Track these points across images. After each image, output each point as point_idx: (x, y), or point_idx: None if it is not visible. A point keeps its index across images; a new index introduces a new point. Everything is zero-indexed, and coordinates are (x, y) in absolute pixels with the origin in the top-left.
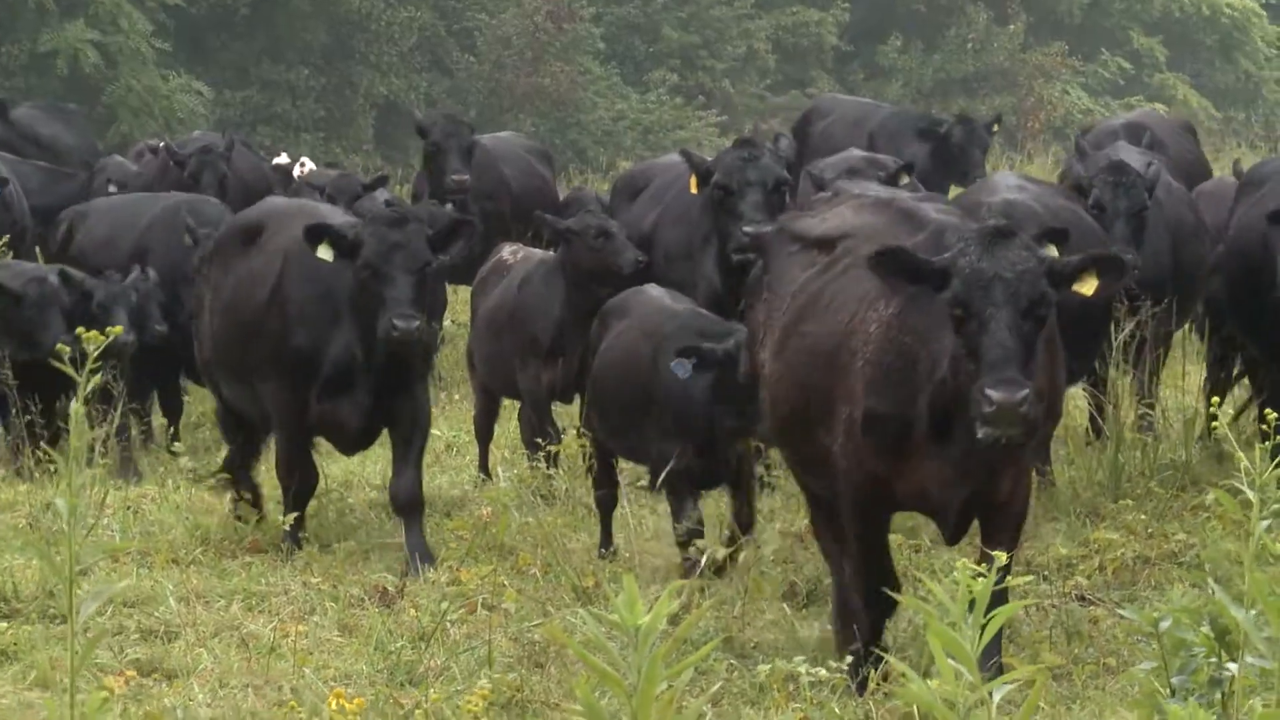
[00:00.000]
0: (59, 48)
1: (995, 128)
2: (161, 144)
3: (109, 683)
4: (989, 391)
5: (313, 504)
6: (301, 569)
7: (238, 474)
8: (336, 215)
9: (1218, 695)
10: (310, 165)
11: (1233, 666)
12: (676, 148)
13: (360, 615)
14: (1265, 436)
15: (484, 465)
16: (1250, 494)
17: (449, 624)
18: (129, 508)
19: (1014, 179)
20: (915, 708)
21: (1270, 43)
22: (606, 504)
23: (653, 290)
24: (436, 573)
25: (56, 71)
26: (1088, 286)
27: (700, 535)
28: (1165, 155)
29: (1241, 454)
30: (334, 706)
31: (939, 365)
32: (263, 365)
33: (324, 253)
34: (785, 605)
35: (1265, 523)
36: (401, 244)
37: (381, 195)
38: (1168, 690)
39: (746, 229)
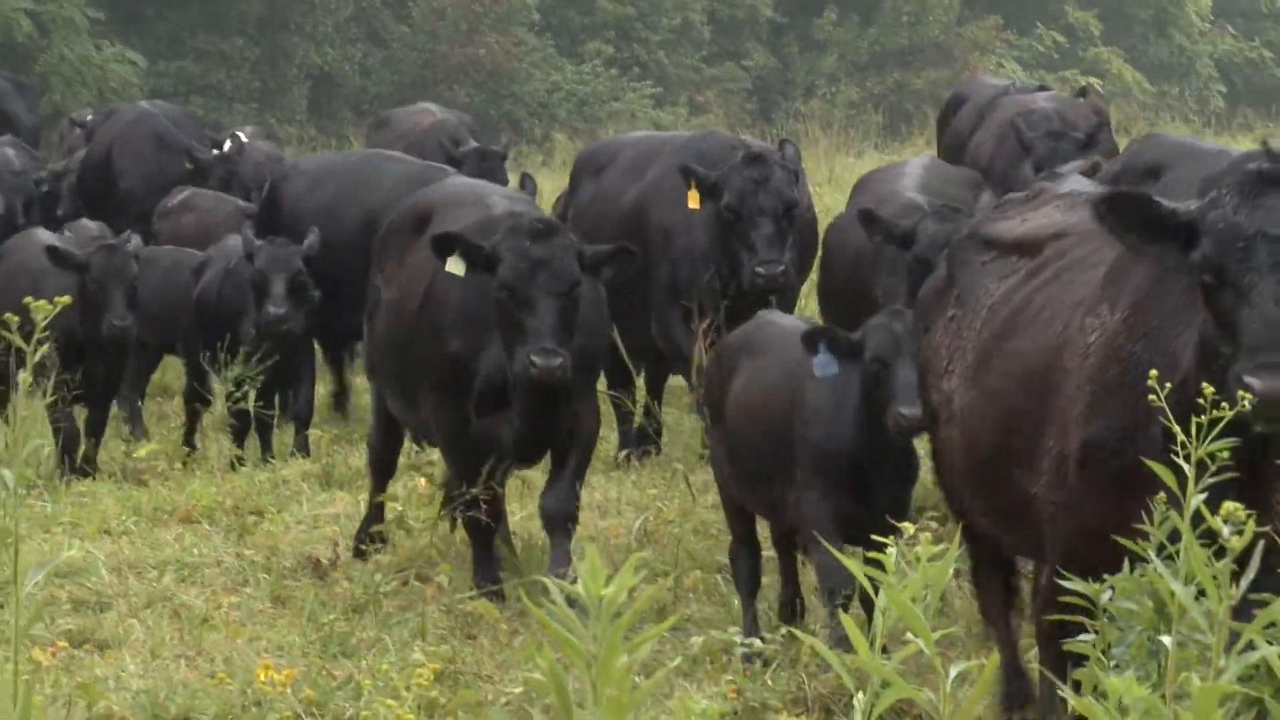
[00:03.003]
0: None
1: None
2: (90, 116)
3: (37, 655)
4: (1249, 379)
5: (246, 473)
6: (235, 540)
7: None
8: (502, 205)
9: (1155, 666)
10: (243, 138)
11: (1168, 640)
12: (611, 119)
13: (293, 587)
14: (1199, 410)
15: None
16: (1186, 467)
17: (382, 596)
18: (62, 478)
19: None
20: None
21: (1204, 17)
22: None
23: (780, 319)
24: (369, 545)
25: None
26: None
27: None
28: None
29: (1178, 428)
30: (265, 678)
31: (1179, 368)
32: (420, 375)
33: (454, 266)
34: (719, 577)
35: (1201, 496)
36: (545, 261)
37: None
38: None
39: (759, 270)
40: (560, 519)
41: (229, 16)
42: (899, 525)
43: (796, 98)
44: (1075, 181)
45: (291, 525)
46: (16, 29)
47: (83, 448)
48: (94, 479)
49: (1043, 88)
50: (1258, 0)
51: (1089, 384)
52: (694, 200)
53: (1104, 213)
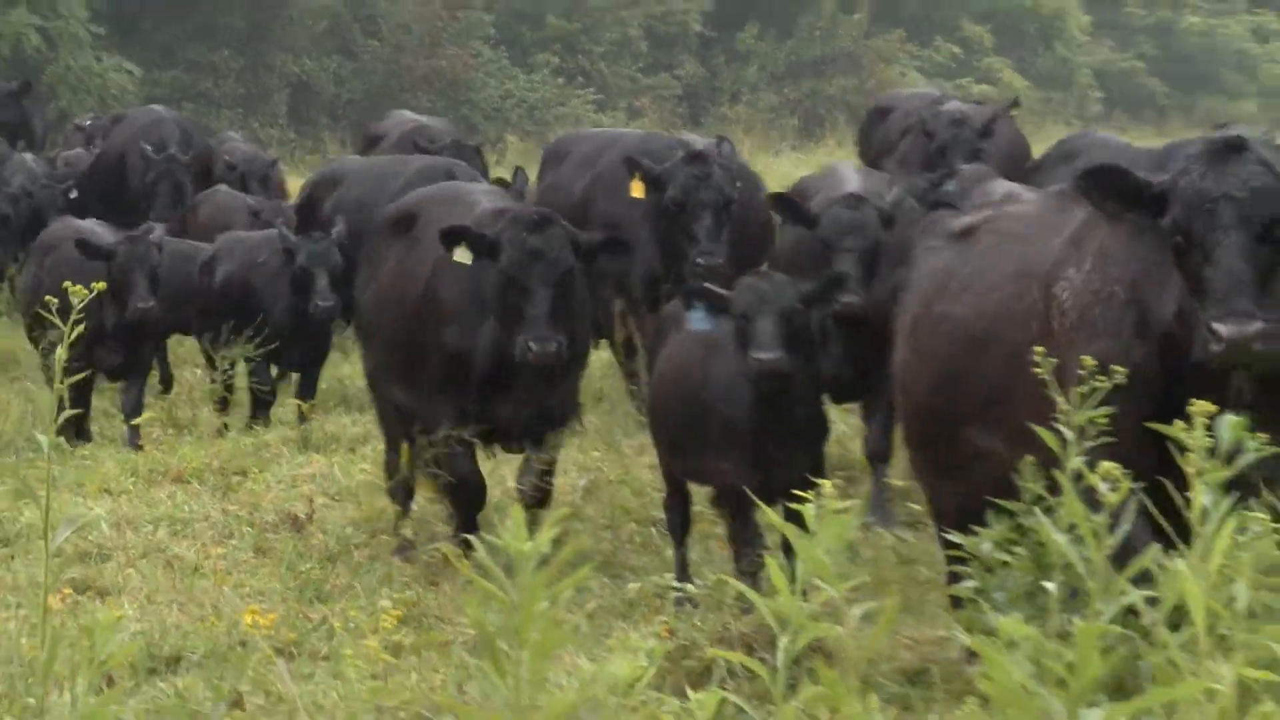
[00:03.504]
0: (3, 31)
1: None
2: (89, 120)
3: (47, 600)
4: (1216, 326)
5: (232, 438)
6: (221, 498)
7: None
8: (485, 201)
9: (1031, 610)
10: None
11: (1051, 585)
12: (557, 123)
13: (274, 539)
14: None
15: None
16: (1067, 432)
17: (353, 547)
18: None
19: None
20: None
21: (1084, 31)
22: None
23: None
24: (342, 502)
25: (0, 53)
26: None
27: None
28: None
29: (1062, 397)
30: (249, 621)
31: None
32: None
33: (462, 256)
34: (654, 530)
35: (1080, 458)
36: (542, 251)
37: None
38: (988, 605)
39: (699, 260)
40: (538, 498)
41: (216, 30)
42: (816, 482)
43: (722, 103)
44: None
45: (272, 484)
46: (26, 42)
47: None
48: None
49: (979, 103)
50: (1132, 16)
51: (1080, 331)
52: (638, 190)
53: (1086, 185)
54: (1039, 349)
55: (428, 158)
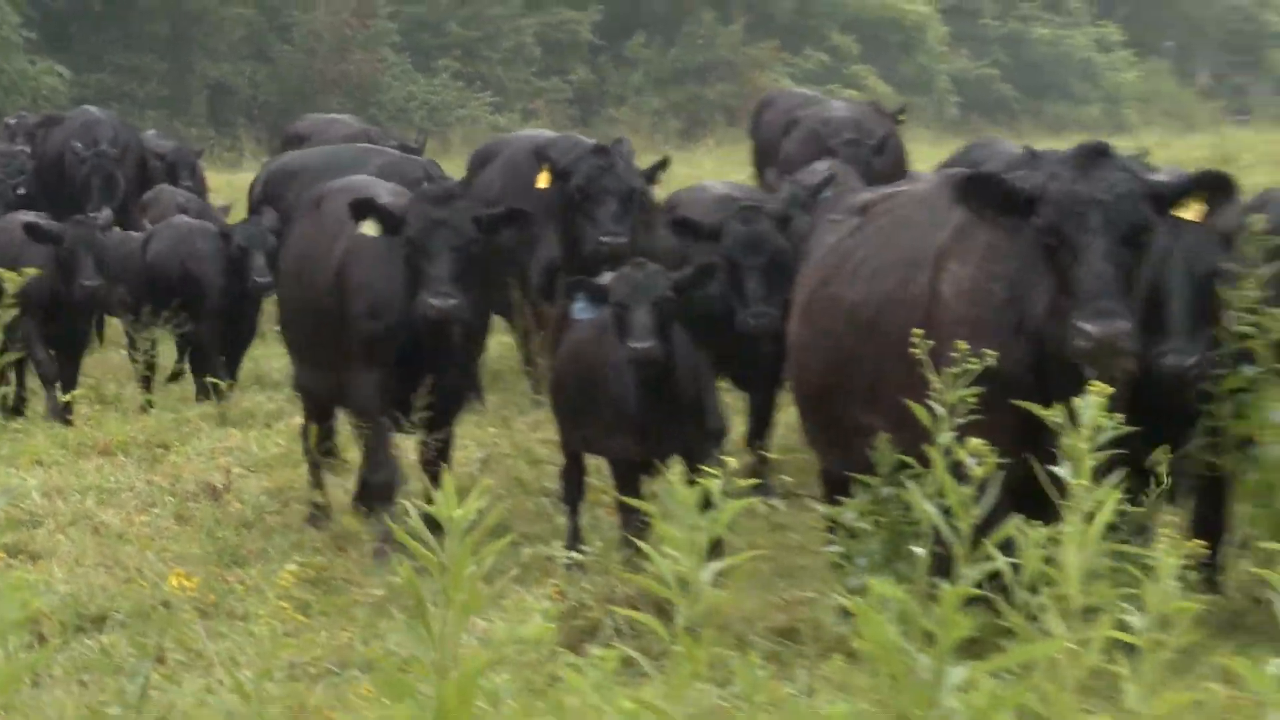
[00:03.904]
0: None
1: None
2: (14, 119)
3: None
4: (1085, 325)
5: (155, 414)
6: (145, 469)
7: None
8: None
9: (891, 574)
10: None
11: (919, 550)
12: (458, 123)
13: (193, 508)
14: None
15: None
16: (939, 409)
17: (267, 515)
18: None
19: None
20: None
21: (942, 41)
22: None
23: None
24: (257, 473)
25: None
26: (1193, 211)
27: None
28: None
29: (934, 376)
30: (175, 584)
31: (1034, 315)
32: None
33: (369, 228)
34: (546, 501)
35: (950, 434)
36: (445, 220)
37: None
38: (851, 569)
39: (604, 239)
40: (438, 469)
41: (141, 36)
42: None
43: (610, 106)
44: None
45: (193, 457)
46: None
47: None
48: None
49: (871, 103)
50: (986, 28)
51: (959, 328)
52: (544, 180)
53: (963, 193)
54: (918, 332)
55: (393, 154)
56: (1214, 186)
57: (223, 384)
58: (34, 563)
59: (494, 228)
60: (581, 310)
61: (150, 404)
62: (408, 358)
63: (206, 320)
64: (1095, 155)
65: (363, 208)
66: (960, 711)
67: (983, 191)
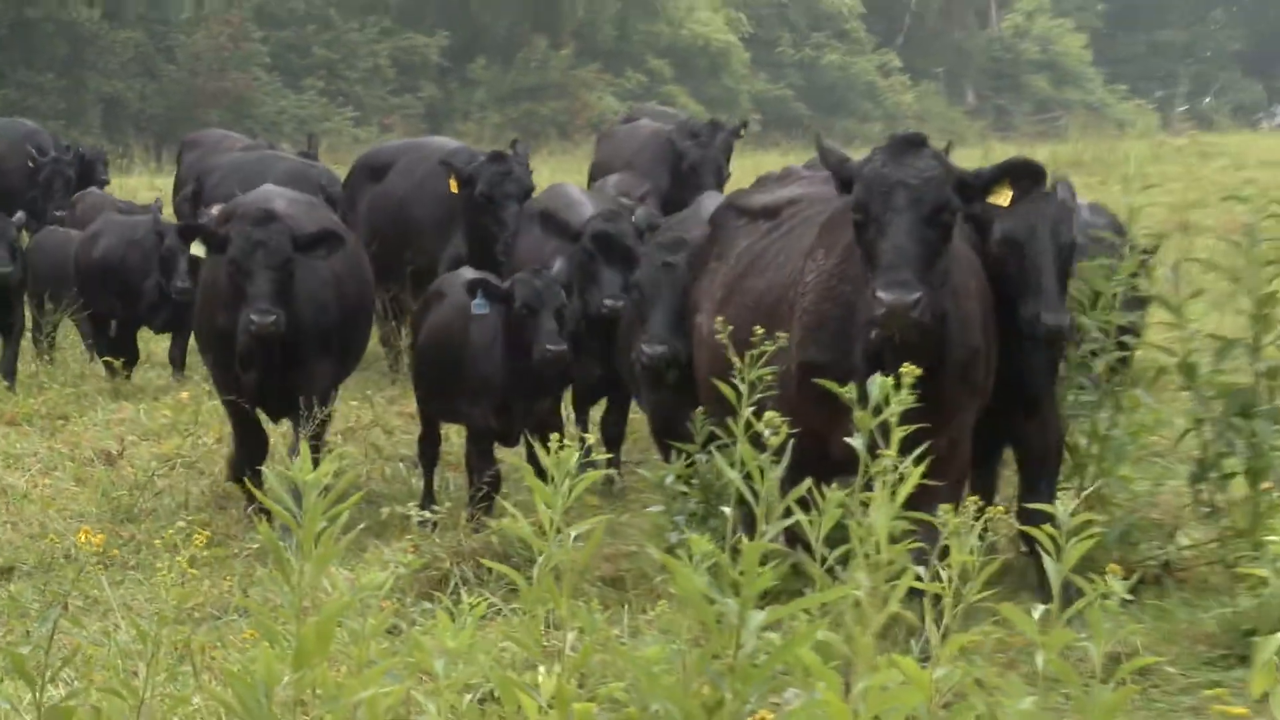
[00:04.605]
0: None
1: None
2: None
3: None
4: (881, 293)
5: (56, 388)
6: (47, 436)
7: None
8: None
9: (704, 530)
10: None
11: (728, 509)
12: (324, 134)
13: (91, 471)
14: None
15: None
16: (741, 386)
17: (156, 478)
18: None
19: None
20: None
21: (744, 65)
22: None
23: (467, 272)
24: (148, 440)
25: None
26: (1003, 197)
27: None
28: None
29: (735, 358)
30: (83, 540)
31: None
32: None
33: (197, 249)
34: (400, 465)
35: (751, 408)
36: (263, 241)
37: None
38: (671, 527)
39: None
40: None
41: (42, 56)
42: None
43: (457, 120)
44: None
45: (90, 426)
46: None
47: None
48: None
49: (714, 121)
50: (783, 54)
51: (806, 316)
52: (454, 186)
53: (826, 164)
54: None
55: (295, 160)
56: (1021, 173)
57: (116, 363)
58: None
59: (310, 246)
60: (480, 306)
61: (49, 380)
62: (246, 355)
63: (140, 309)
64: (908, 145)
65: (188, 233)
66: (761, 649)
67: (830, 167)
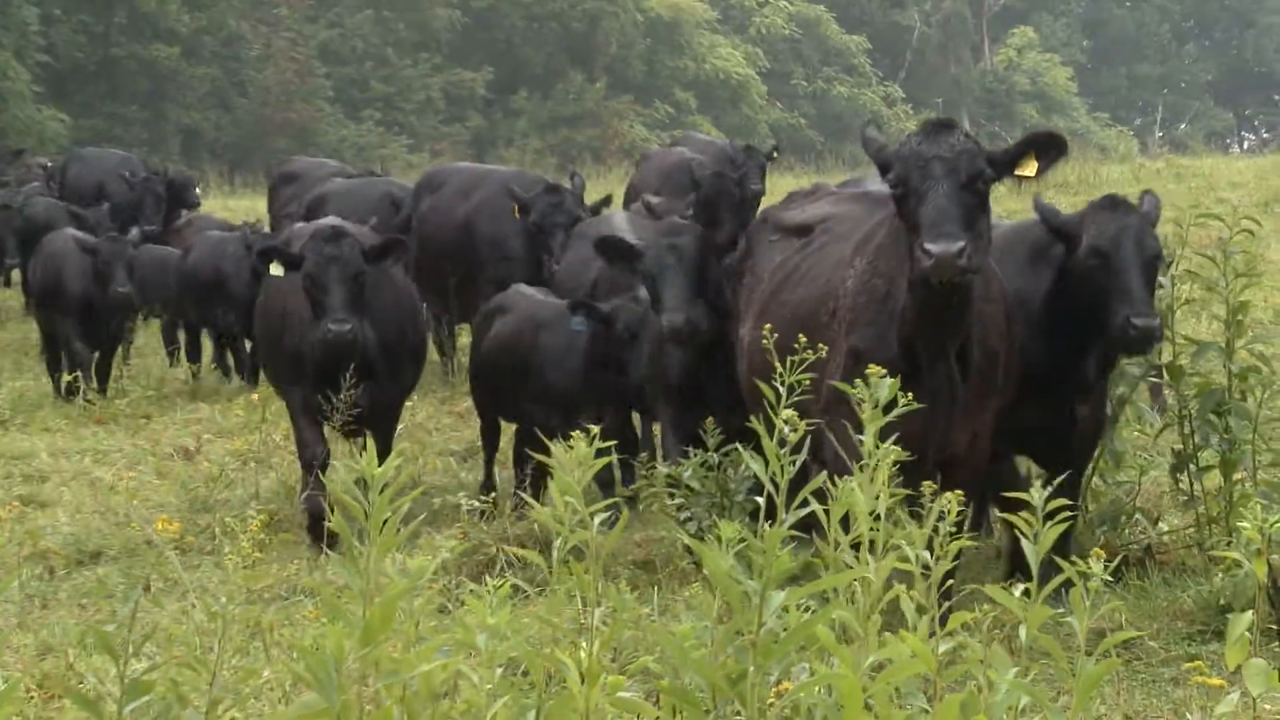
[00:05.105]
0: None
1: (774, 155)
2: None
3: None
4: (928, 245)
5: (138, 391)
6: (131, 434)
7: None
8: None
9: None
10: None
11: (755, 498)
12: (381, 162)
13: (170, 465)
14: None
15: None
16: (780, 389)
17: (230, 472)
18: (18, 395)
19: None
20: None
21: (762, 96)
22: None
23: (525, 289)
24: (222, 438)
25: None
26: (1029, 168)
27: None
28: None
29: (778, 362)
30: (163, 528)
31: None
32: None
33: (275, 269)
34: (451, 459)
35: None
36: (337, 257)
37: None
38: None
39: (556, 267)
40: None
41: (126, 90)
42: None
43: (500, 147)
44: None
45: (170, 425)
46: None
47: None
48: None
49: (747, 147)
50: (797, 87)
51: (850, 311)
52: (517, 212)
53: (867, 150)
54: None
55: (397, 182)
56: (1044, 144)
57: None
58: (43, 510)
59: (380, 257)
60: (579, 325)
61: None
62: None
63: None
64: (939, 126)
65: (266, 254)
66: (782, 627)
67: (871, 152)
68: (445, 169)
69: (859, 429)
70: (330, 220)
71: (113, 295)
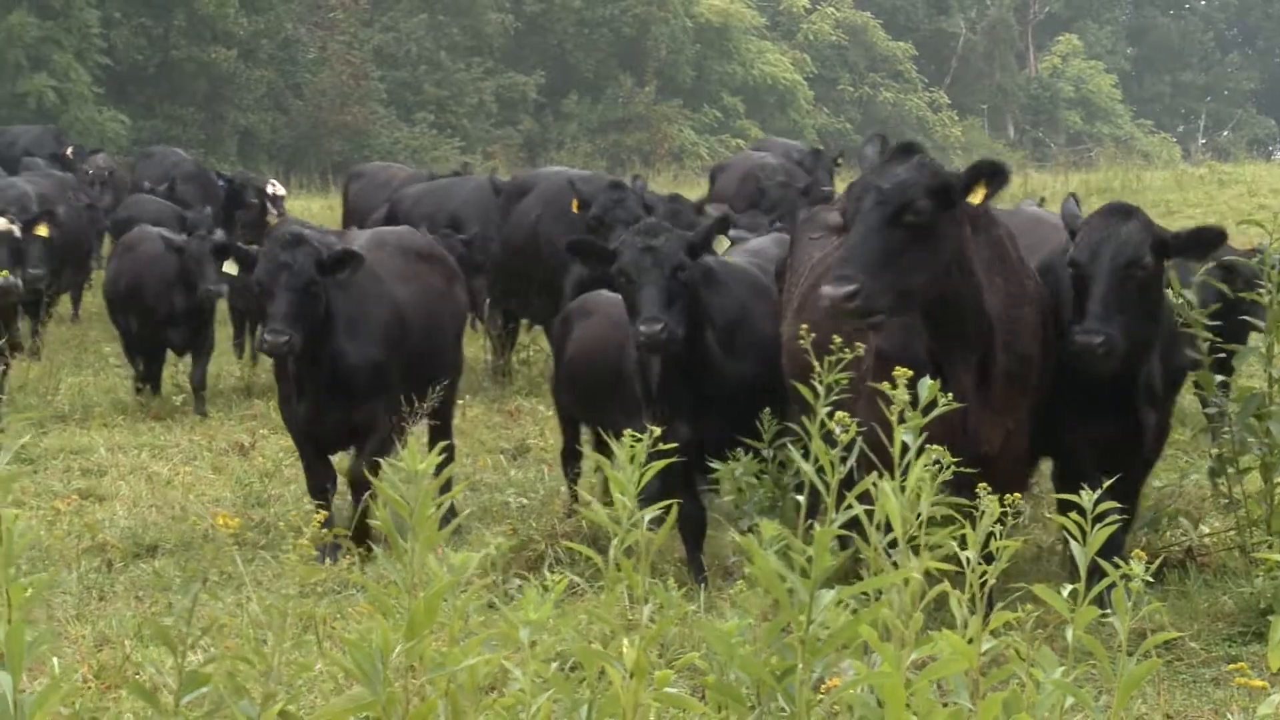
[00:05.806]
0: (30, 91)
1: (838, 160)
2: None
3: (59, 504)
4: (823, 288)
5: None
6: (187, 430)
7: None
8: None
9: (777, 517)
10: (281, 189)
11: (800, 498)
12: (433, 163)
13: (226, 460)
14: None
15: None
16: (819, 388)
17: (284, 468)
18: (77, 391)
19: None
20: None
21: (809, 102)
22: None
23: (605, 293)
24: (276, 434)
25: (29, 106)
26: (978, 195)
27: None
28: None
29: (817, 361)
30: (219, 522)
31: None
32: None
33: (229, 267)
34: (501, 457)
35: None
36: (287, 264)
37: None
38: (740, 515)
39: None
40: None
41: (185, 92)
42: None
43: (551, 150)
44: None
45: (225, 421)
46: (46, 99)
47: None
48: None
49: (816, 149)
50: (843, 92)
51: None
52: (575, 207)
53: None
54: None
55: (481, 180)
56: (989, 173)
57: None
58: (101, 504)
59: (334, 268)
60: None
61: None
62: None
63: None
64: (899, 153)
65: (222, 251)
66: (828, 624)
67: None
68: (531, 175)
69: (886, 428)
70: (293, 228)
71: (203, 294)
